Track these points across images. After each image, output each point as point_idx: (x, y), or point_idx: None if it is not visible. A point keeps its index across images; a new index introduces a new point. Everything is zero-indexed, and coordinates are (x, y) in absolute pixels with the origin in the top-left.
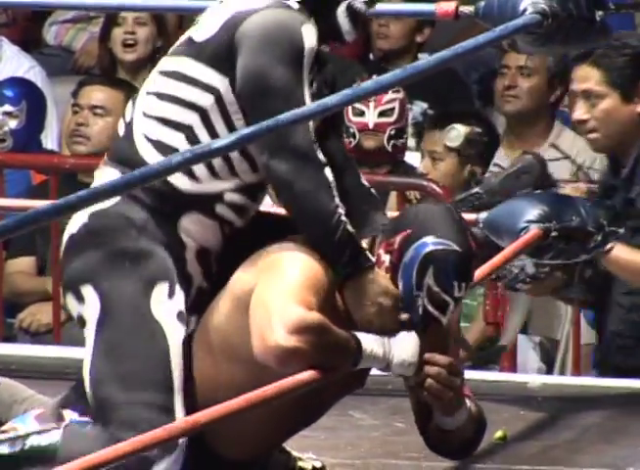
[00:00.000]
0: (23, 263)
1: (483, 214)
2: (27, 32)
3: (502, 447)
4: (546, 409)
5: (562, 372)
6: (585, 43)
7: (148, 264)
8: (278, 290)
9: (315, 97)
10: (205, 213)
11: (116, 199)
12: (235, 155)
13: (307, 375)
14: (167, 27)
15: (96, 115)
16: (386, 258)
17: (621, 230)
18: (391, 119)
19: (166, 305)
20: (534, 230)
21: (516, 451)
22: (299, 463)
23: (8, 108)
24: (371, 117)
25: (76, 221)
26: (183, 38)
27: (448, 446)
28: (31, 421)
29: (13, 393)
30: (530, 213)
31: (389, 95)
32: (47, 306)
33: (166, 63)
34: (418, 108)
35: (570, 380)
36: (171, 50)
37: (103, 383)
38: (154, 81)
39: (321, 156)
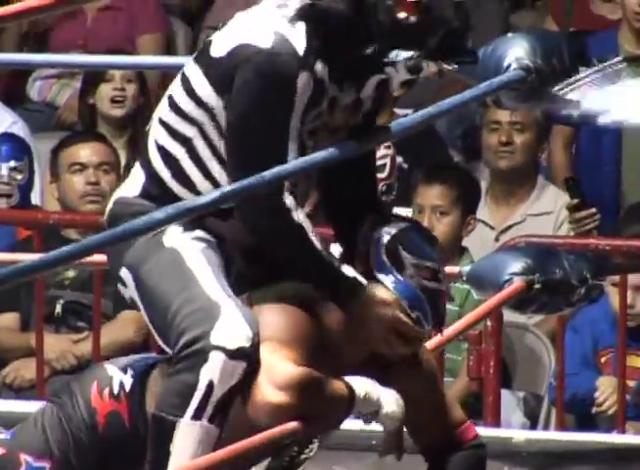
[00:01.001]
0: (7, 319)
1: (467, 267)
2: (11, 88)
3: None
4: (531, 465)
5: (546, 427)
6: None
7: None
8: (263, 346)
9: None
10: (217, 217)
11: (136, 192)
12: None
13: (296, 425)
14: (148, 86)
15: (105, 172)
16: None
17: (604, 283)
18: (383, 175)
19: (179, 236)
20: (518, 282)
21: None
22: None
23: (13, 163)
24: None
25: (107, 209)
26: (208, 38)
27: None
28: None
29: None
30: (514, 266)
31: (382, 151)
32: (31, 362)
33: (190, 65)
34: None
35: (554, 435)
36: (202, 45)
37: (160, 332)
38: (175, 81)
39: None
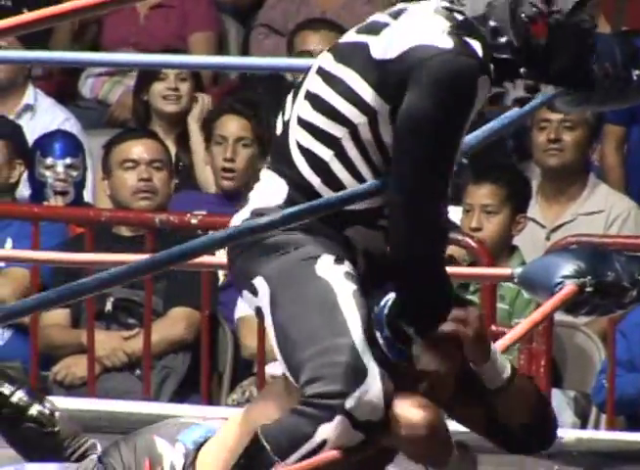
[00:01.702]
0: (58, 316)
1: (518, 269)
2: (63, 85)
3: None
4: (581, 464)
5: (596, 427)
6: (622, 102)
7: (310, 246)
8: None
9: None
10: (368, 226)
11: (279, 201)
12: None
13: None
14: (203, 82)
15: (157, 169)
16: None
17: None
18: None
19: (332, 268)
20: (570, 286)
21: None
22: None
23: (69, 160)
24: None
25: (239, 218)
26: (359, 38)
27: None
28: None
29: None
30: (566, 269)
31: None
32: (82, 359)
33: (333, 66)
34: None
35: (604, 435)
36: (344, 45)
37: (288, 357)
38: (315, 81)
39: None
